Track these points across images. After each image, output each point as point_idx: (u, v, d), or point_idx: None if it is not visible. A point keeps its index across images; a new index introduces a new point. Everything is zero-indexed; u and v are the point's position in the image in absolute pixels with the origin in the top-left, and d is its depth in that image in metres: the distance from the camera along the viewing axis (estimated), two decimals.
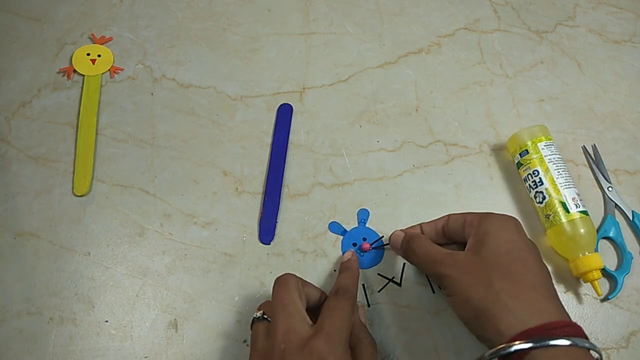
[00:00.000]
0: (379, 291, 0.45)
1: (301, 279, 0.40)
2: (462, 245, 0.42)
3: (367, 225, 0.49)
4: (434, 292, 0.46)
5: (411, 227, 0.46)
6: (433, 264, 0.39)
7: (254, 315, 0.38)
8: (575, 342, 0.32)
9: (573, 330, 0.33)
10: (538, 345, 0.31)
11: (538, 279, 0.36)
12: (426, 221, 0.45)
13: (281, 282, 0.38)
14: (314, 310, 0.39)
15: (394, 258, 0.47)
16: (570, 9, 0.64)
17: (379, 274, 0.46)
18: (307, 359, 0.33)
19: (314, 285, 0.41)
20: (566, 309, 0.35)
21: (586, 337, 0.33)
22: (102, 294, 0.44)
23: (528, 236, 0.40)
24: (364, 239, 0.48)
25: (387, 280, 0.46)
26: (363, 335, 0.39)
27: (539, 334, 0.32)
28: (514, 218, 0.40)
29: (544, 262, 0.39)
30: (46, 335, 0.42)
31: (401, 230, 0.45)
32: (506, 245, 0.37)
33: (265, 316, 0.37)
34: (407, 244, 0.42)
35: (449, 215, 0.43)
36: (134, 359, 0.42)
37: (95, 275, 0.45)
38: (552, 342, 0.31)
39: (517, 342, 0.32)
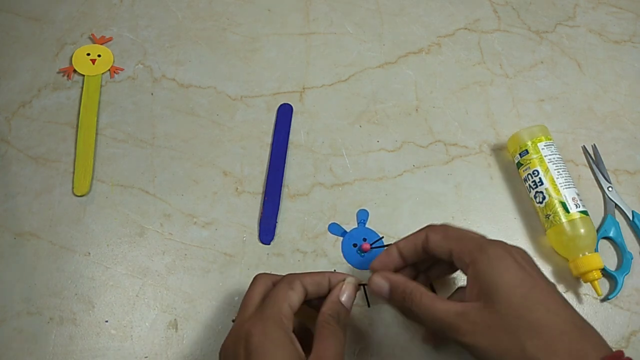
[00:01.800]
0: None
1: (295, 275, 0.38)
2: (445, 263, 0.39)
3: (366, 225, 0.49)
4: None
5: (386, 251, 0.41)
6: (447, 329, 0.35)
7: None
8: None
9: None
10: None
11: (562, 319, 0.33)
12: (402, 239, 0.40)
13: (260, 310, 0.35)
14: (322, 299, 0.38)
15: None
16: (570, 9, 0.64)
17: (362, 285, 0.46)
18: None
19: (311, 275, 0.38)
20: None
21: None
22: (102, 294, 0.44)
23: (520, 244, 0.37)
24: (364, 240, 0.48)
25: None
26: (331, 312, 0.37)
27: None
28: (505, 246, 0.36)
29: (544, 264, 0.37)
30: (46, 335, 0.42)
31: (378, 275, 0.39)
32: (519, 292, 0.33)
33: None
34: (403, 303, 0.37)
35: (426, 232, 0.39)
36: (134, 359, 0.42)
37: (95, 275, 0.45)
38: None
39: None
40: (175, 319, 0.44)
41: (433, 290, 0.44)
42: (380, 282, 0.38)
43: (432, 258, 0.40)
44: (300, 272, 0.44)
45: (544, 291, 0.34)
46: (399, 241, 0.40)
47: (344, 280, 0.39)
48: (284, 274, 0.39)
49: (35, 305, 0.43)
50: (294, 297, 0.36)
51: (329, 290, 0.38)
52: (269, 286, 0.38)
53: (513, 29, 0.62)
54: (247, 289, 0.38)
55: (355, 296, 0.39)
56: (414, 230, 0.40)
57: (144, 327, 0.43)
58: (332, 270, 0.46)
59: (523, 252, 0.37)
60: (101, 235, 0.47)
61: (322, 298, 0.38)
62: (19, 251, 0.45)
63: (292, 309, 0.36)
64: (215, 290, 0.45)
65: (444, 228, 0.39)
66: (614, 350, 0.32)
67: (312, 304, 0.39)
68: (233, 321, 0.37)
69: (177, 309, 0.44)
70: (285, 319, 0.35)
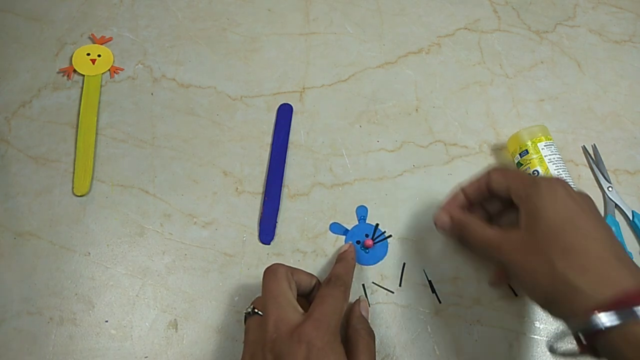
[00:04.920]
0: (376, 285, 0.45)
1: (291, 267, 0.40)
2: (507, 201, 0.41)
3: (367, 221, 0.49)
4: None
5: (452, 194, 0.44)
6: (490, 249, 0.38)
7: (246, 311, 0.38)
8: None
9: None
10: (622, 314, 0.30)
11: (603, 246, 0.33)
12: (467, 183, 0.43)
13: (270, 272, 0.38)
14: (308, 297, 0.40)
15: (397, 254, 0.47)
16: (570, 9, 0.64)
17: (373, 283, 0.46)
18: (295, 344, 0.33)
19: (305, 272, 0.41)
20: None
21: None
22: (102, 294, 0.44)
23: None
24: (366, 236, 0.48)
25: (382, 288, 0.46)
26: (361, 326, 0.39)
27: (615, 306, 0.30)
28: (560, 180, 0.38)
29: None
30: (46, 335, 0.42)
31: (442, 212, 0.43)
32: (560, 217, 0.35)
33: (257, 310, 0.37)
34: (459, 234, 0.41)
35: (489, 172, 0.41)
36: (134, 359, 0.42)
37: (95, 275, 0.45)
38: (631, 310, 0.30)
39: (597, 313, 0.30)
40: (175, 319, 0.44)
41: None
42: (444, 217, 0.42)
43: (497, 200, 0.43)
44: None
45: (589, 219, 0.35)
46: (464, 183, 0.43)
47: (358, 298, 0.43)
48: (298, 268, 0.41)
49: (35, 305, 0.43)
50: (345, 305, 0.38)
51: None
52: (291, 280, 0.39)
53: (513, 29, 0.62)
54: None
55: (354, 257, 0.44)
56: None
57: (144, 327, 0.43)
58: None
59: (582, 192, 0.38)
60: (101, 235, 0.47)
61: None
62: (19, 251, 0.45)
63: (341, 316, 0.37)
64: (215, 290, 0.45)
65: (504, 168, 0.41)
66: None
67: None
68: (249, 312, 0.37)
69: (177, 309, 0.44)
70: (338, 330, 0.36)
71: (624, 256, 0.33)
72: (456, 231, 0.41)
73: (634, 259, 0.47)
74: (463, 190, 0.43)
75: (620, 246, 0.34)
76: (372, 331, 0.39)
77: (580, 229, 0.34)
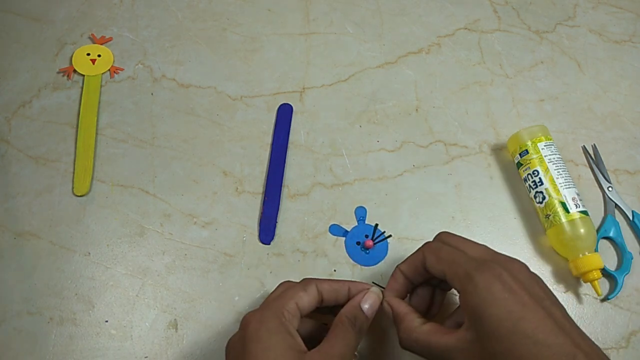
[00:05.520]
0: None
1: (310, 280, 0.38)
2: (444, 282, 0.39)
3: (366, 222, 0.49)
4: None
5: (392, 276, 0.41)
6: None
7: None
8: None
9: None
10: None
11: (552, 350, 0.31)
12: (403, 261, 0.40)
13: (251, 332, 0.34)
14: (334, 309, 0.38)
15: (397, 254, 0.47)
16: (570, 9, 0.64)
17: (373, 282, 0.46)
18: None
19: (329, 281, 0.38)
20: (570, 314, 0.34)
21: None
22: (102, 294, 0.44)
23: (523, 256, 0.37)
24: (366, 236, 0.48)
25: (382, 288, 0.46)
26: (348, 316, 0.37)
27: None
28: (495, 268, 0.35)
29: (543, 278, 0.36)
30: (46, 335, 0.42)
31: (389, 301, 0.39)
32: (505, 324, 0.32)
33: None
34: (404, 333, 0.37)
35: (423, 252, 0.39)
36: (134, 359, 0.42)
37: (95, 275, 0.45)
38: None
39: None
40: (175, 319, 0.44)
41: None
42: (385, 305, 0.39)
43: (429, 278, 0.40)
44: (301, 272, 0.44)
45: (532, 321, 0.32)
46: (401, 263, 0.40)
47: (368, 288, 0.39)
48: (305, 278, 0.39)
49: (35, 305, 0.43)
50: (305, 297, 0.36)
51: (349, 298, 0.38)
52: (290, 320, 0.37)
53: (513, 29, 0.62)
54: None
55: (377, 307, 0.38)
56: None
57: (144, 327, 0.43)
58: (333, 270, 0.46)
59: (519, 271, 0.35)
60: (101, 235, 0.47)
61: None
62: (19, 251, 0.45)
63: (299, 307, 0.36)
64: (215, 290, 0.45)
65: (438, 249, 0.38)
66: None
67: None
68: None
69: (177, 309, 0.44)
70: (287, 313, 0.35)
71: (575, 351, 0.31)
72: (401, 331, 0.38)
73: (633, 259, 0.47)
74: (400, 269, 0.40)
75: (568, 338, 0.32)
76: (362, 324, 0.37)
77: (527, 337, 0.32)
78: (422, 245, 0.39)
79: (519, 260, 0.36)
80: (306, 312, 0.37)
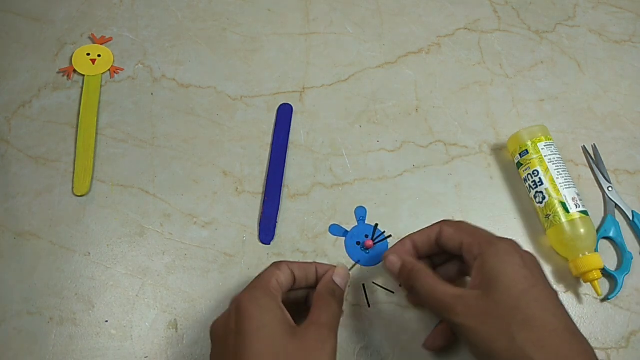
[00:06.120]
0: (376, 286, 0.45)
1: (280, 261, 0.39)
2: (457, 258, 0.41)
3: (366, 222, 0.49)
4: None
5: (400, 241, 0.42)
6: (442, 309, 0.36)
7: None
8: None
9: None
10: None
11: (559, 320, 0.33)
12: (416, 232, 0.42)
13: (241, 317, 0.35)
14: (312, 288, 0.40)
15: None
16: (570, 9, 0.64)
17: (373, 283, 0.46)
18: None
19: (298, 262, 0.40)
20: (574, 319, 0.35)
21: None
22: (102, 294, 0.44)
23: (527, 246, 0.39)
24: (366, 236, 0.48)
25: (382, 288, 0.46)
26: (325, 289, 0.38)
27: None
28: (514, 244, 0.37)
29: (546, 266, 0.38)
30: (46, 335, 0.42)
31: (394, 254, 0.41)
32: (519, 286, 0.34)
33: None
34: (408, 279, 0.39)
35: (441, 225, 0.40)
36: (134, 359, 0.42)
37: (95, 275, 0.45)
38: None
39: None
40: (175, 319, 0.44)
41: None
42: (394, 259, 0.40)
43: (444, 253, 0.41)
44: None
45: (544, 292, 0.35)
46: (414, 233, 0.42)
47: (333, 267, 0.41)
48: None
49: (35, 305, 0.43)
50: (282, 275, 0.38)
51: (317, 280, 0.40)
52: (275, 299, 0.38)
53: (513, 29, 0.62)
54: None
55: (348, 279, 0.41)
56: (415, 230, 0.42)
57: (144, 327, 0.43)
58: None
59: (531, 256, 0.37)
60: (101, 235, 0.47)
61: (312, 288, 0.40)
62: (19, 251, 0.45)
63: (279, 284, 0.37)
64: (215, 290, 0.45)
65: (459, 222, 0.40)
66: None
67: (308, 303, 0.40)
68: None
69: (177, 309, 0.44)
70: (273, 290, 0.36)
71: (576, 332, 0.34)
72: (405, 277, 0.39)
73: (633, 259, 0.47)
74: (412, 239, 0.42)
75: (572, 323, 0.34)
76: (339, 295, 0.39)
77: (539, 302, 0.34)
78: (440, 221, 0.41)
79: (533, 254, 0.38)
80: (285, 290, 0.38)
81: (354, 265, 0.45)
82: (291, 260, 0.46)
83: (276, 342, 0.33)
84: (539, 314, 0.33)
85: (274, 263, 0.39)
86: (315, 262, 0.41)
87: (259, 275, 0.38)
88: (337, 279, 0.40)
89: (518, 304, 0.34)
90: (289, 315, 0.36)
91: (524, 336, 0.32)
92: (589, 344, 0.34)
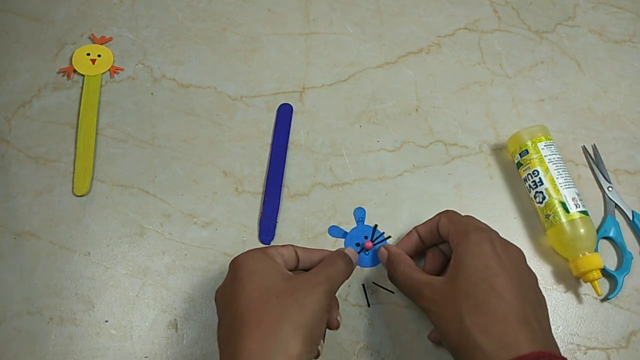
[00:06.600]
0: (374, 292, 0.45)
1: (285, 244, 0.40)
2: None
3: (365, 223, 0.49)
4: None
5: (408, 233, 0.45)
6: (413, 294, 0.39)
7: None
8: None
9: None
10: None
11: (511, 309, 0.34)
12: (421, 223, 0.44)
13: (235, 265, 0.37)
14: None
15: None
16: (570, 9, 0.64)
17: (373, 283, 0.46)
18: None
19: (302, 247, 0.41)
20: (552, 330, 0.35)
21: None
22: (102, 294, 0.44)
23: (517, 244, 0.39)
24: (366, 237, 0.48)
25: (382, 288, 0.46)
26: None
27: None
28: (491, 233, 0.39)
29: (533, 276, 0.38)
30: (46, 335, 0.42)
31: (385, 246, 0.45)
32: (479, 274, 0.36)
33: None
34: (390, 266, 0.43)
35: (441, 215, 0.43)
36: (134, 359, 0.42)
37: (95, 275, 0.45)
38: None
39: None
40: (175, 319, 0.44)
41: None
42: (382, 250, 0.44)
43: (442, 241, 0.43)
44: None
45: (505, 282, 0.35)
46: (419, 225, 0.44)
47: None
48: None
49: (35, 305, 0.43)
50: (284, 251, 0.39)
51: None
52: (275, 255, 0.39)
53: (513, 29, 0.62)
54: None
55: (356, 258, 0.42)
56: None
57: (144, 327, 0.43)
58: None
59: (514, 253, 0.38)
60: (101, 235, 0.47)
61: None
62: (19, 251, 0.45)
63: (279, 254, 0.38)
64: (215, 290, 0.45)
65: (453, 214, 0.42)
66: (561, 354, 0.33)
67: None
68: None
69: (177, 309, 0.44)
70: (270, 253, 0.38)
71: (533, 319, 0.34)
72: (389, 265, 0.43)
73: (633, 259, 0.47)
74: (417, 230, 0.44)
75: (535, 308, 0.35)
76: (347, 259, 0.40)
77: (495, 290, 0.35)
78: (442, 211, 0.43)
79: (520, 250, 0.39)
80: (287, 261, 0.39)
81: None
82: None
83: (267, 283, 0.35)
84: (492, 301, 0.34)
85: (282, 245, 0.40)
86: (323, 250, 0.41)
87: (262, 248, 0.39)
88: (347, 251, 0.41)
89: (473, 291, 0.35)
90: (284, 268, 0.37)
91: (472, 320, 0.34)
92: (547, 336, 0.34)
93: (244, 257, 0.37)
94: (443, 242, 0.44)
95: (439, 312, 0.36)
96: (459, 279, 0.36)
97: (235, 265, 0.37)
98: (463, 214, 0.42)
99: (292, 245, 0.40)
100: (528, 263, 0.39)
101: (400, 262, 0.42)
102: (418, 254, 0.45)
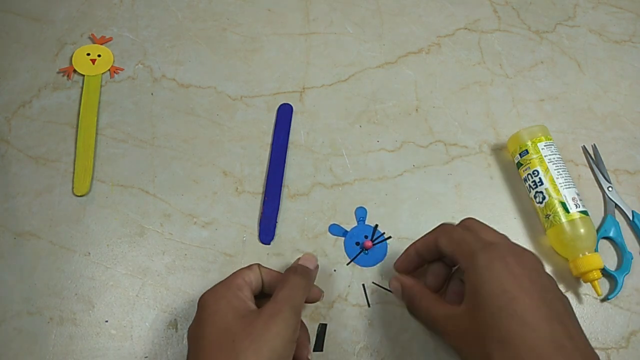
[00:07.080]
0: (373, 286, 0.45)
1: (253, 264, 0.40)
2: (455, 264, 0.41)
3: (366, 222, 0.49)
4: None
5: (405, 251, 0.44)
6: (435, 329, 0.39)
7: None
8: None
9: None
10: None
11: (538, 334, 0.32)
12: (417, 240, 0.43)
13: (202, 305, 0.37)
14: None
15: (397, 254, 0.47)
16: (570, 9, 0.64)
17: (373, 283, 0.46)
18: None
19: (269, 268, 0.40)
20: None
21: None
22: (102, 294, 0.44)
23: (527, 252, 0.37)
24: (365, 237, 0.48)
25: (382, 288, 0.46)
26: (290, 272, 0.39)
27: None
28: (500, 250, 0.36)
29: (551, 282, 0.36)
30: (46, 335, 0.42)
31: (397, 277, 0.43)
32: (497, 302, 0.33)
33: None
34: (408, 301, 0.43)
35: (437, 234, 0.40)
36: (134, 359, 0.42)
37: (95, 275, 0.45)
38: None
39: None
40: (175, 319, 0.44)
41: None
42: (395, 284, 0.43)
43: (440, 257, 0.42)
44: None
45: (525, 303, 0.33)
46: (417, 241, 0.43)
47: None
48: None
49: (35, 305, 0.43)
50: (251, 274, 0.38)
51: None
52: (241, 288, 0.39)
53: (513, 29, 0.62)
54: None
55: (314, 260, 0.41)
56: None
57: (144, 327, 0.43)
58: (333, 270, 0.46)
59: (528, 260, 0.36)
60: (101, 235, 0.47)
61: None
62: (19, 251, 0.45)
63: (246, 282, 0.38)
64: None
65: (451, 230, 0.40)
66: None
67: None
68: None
69: (177, 309, 0.44)
70: (234, 285, 0.37)
71: (565, 339, 0.32)
72: (406, 300, 0.43)
73: (633, 259, 0.47)
74: (415, 247, 0.43)
75: (563, 320, 0.33)
76: (303, 270, 0.39)
77: (515, 316, 0.32)
78: (438, 226, 0.41)
79: (532, 253, 0.38)
80: (254, 287, 0.38)
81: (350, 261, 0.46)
82: (291, 261, 0.46)
83: (225, 325, 0.34)
84: (516, 331, 0.32)
85: (249, 265, 0.40)
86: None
87: (230, 275, 0.39)
88: (301, 261, 0.41)
89: (495, 322, 0.33)
90: (249, 302, 0.36)
91: (500, 356, 0.32)
92: (581, 354, 0.32)
93: (208, 295, 0.36)
94: (443, 256, 0.42)
95: (465, 349, 0.35)
96: (477, 310, 0.34)
97: (200, 304, 0.36)
98: (462, 217, 0.42)
99: (257, 265, 0.40)
100: None
101: (416, 295, 0.41)
102: (417, 269, 0.44)
